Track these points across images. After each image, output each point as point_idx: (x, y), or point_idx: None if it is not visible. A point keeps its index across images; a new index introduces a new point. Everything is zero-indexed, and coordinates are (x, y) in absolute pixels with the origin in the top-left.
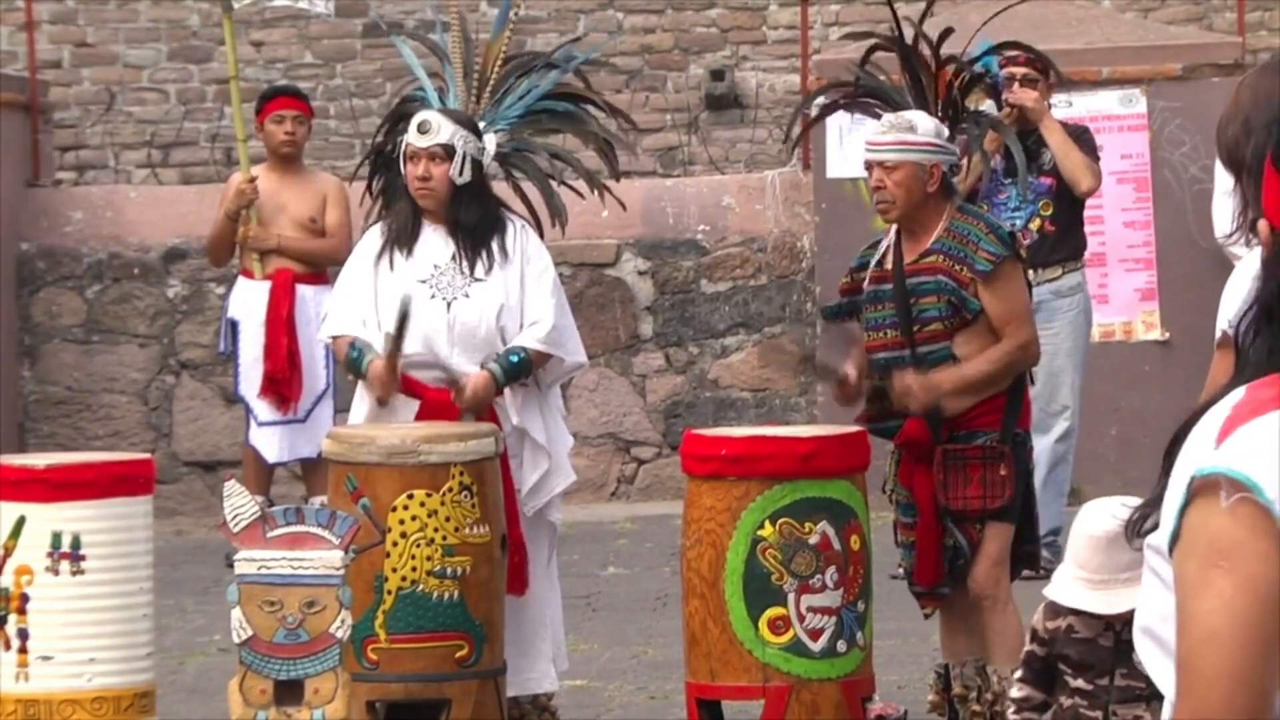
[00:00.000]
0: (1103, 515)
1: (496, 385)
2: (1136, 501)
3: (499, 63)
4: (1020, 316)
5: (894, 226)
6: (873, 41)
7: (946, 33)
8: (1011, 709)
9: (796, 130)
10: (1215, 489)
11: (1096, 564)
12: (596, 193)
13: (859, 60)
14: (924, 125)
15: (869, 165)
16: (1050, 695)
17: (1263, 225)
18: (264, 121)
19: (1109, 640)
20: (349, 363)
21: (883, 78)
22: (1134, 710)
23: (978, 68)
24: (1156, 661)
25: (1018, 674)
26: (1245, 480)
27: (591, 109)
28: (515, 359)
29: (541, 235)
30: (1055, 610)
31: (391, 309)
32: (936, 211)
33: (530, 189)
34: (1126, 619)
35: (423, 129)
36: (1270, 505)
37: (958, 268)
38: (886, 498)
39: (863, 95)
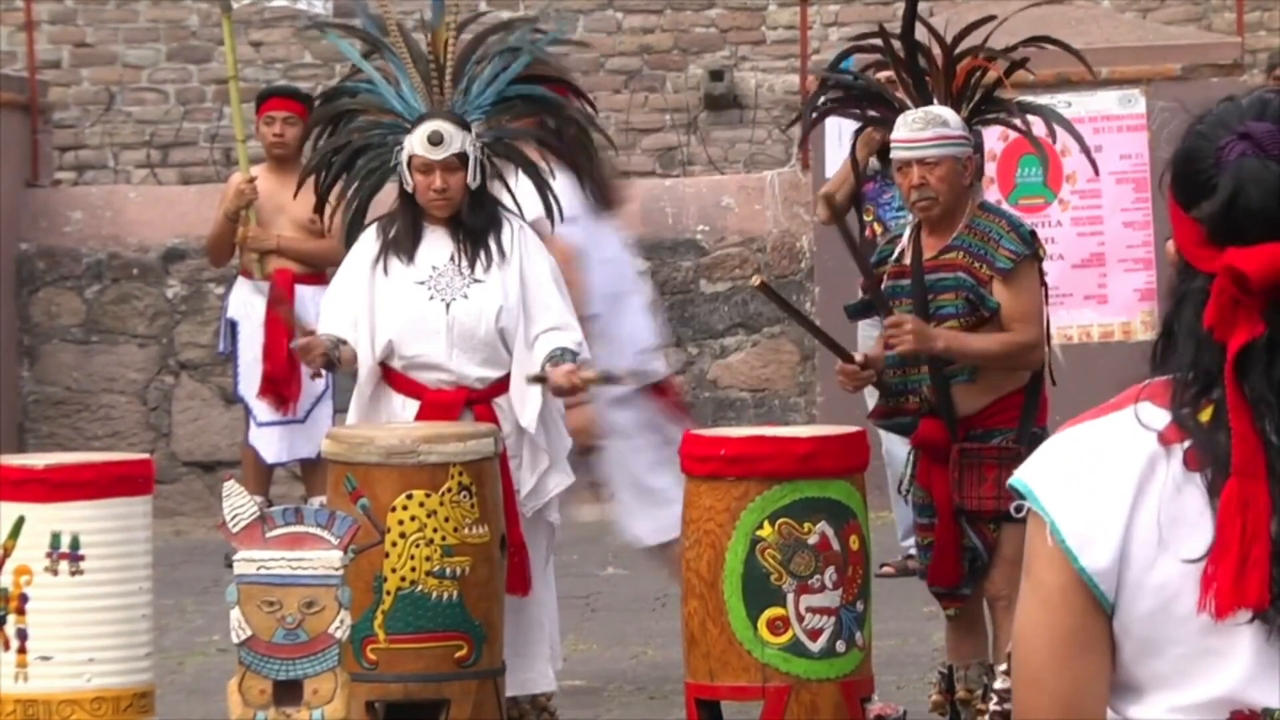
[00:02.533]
0: None
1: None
2: None
3: (450, 44)
4: (1030, 316)
5: (912, 221)
6: (847, 46)
7: (973, 26)
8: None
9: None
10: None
11: None
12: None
13: (829, 65)
14: (952, 119)
15: (905, 163)
16: None
17: (1170, 245)
18: (259, 122)
19: None
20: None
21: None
22: None
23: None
24: None
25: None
26: (1024, 490)
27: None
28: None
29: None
30: None
31: (392, 313)
32: (961, 207)
33: (520, 183)
34: None
35: (434, 140)
36: (1043, 514)
37: (978, 265)
38: (901, 497)
39: (861, 96)
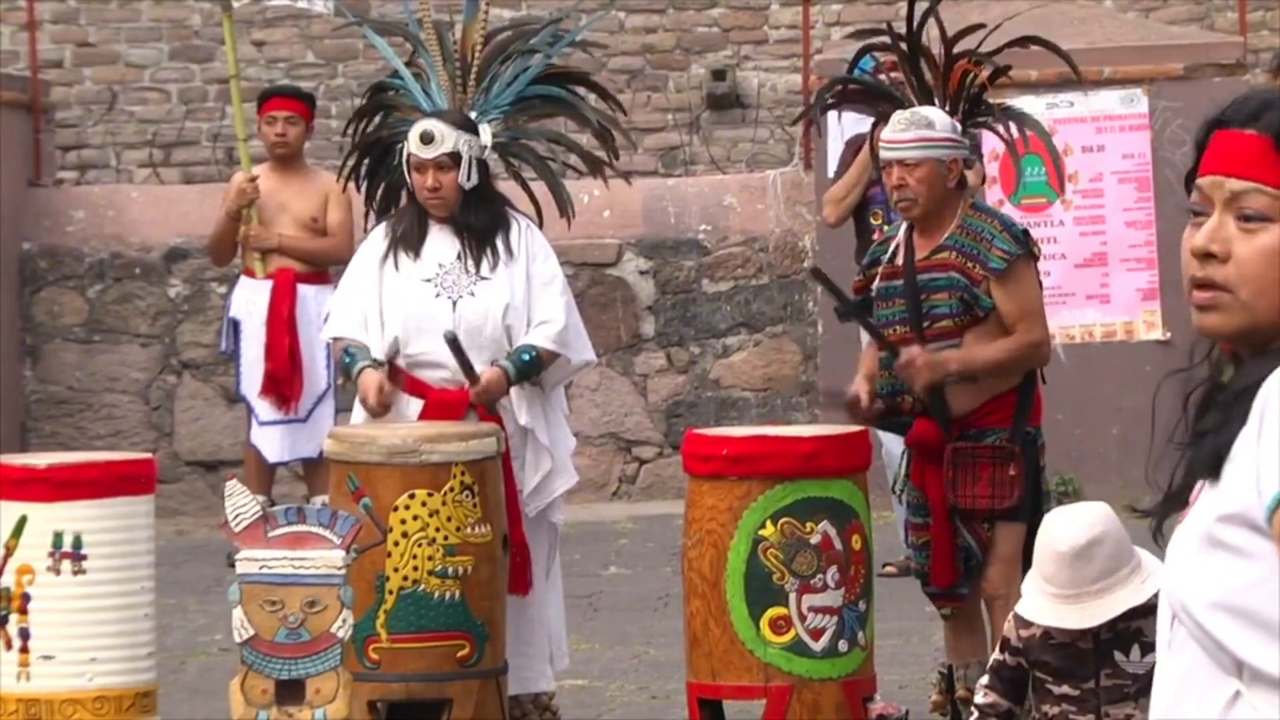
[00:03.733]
0: (1065, 529)
1: (508, 381)
2: (1097, 509)
3: (477, 49)
4: (1033, 314)
5: (904, 222)
6: (865, 43)
7: (964, 32)
8: (974, 715)
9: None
10: None
11: (1064, 579)
12: (600, 177)
13: (850, 61)
14: (940, 121)
15: (887, 164)
16: (1017, 705)
17: None
18: (260, 122)
19: (1089, 643)
20: (341, 366)
21: (883, 77)
22: (1124, 709)
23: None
24: (1240, 635)
25: (983, 680)
26: None
27: (584, 91)
28: (527, 357)
29: (540, 225)
30: (1027, 618)
31: (399, 310)
32: (951, 208)
33: (534, 184)
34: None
35: (425, 139)
36: None
37: (970, 265)
38: (895, 497)
39: (860, 94)
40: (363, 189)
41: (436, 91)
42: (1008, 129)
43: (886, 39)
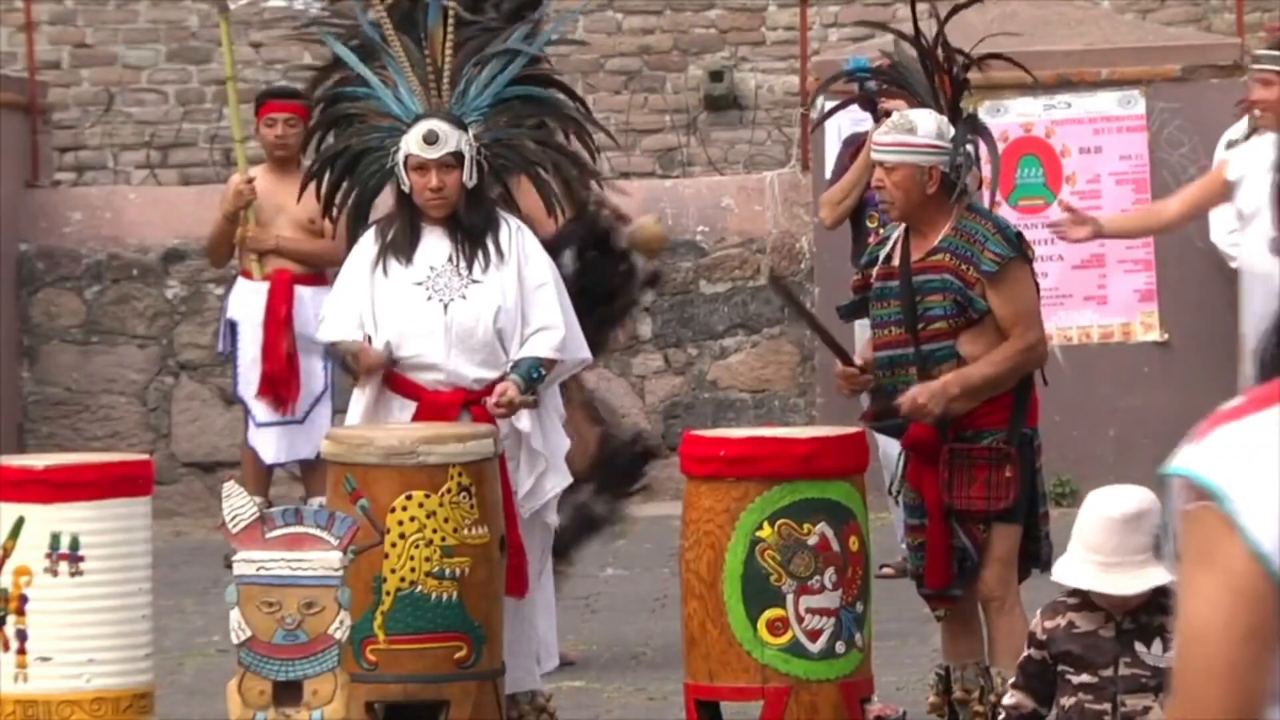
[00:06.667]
0: (1118, 497)
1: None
2: (1144, 489)
3: (447, 52)
4: (1027, 318)
5: (903, 224)
6: (902, 31)
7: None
8: (1001, 715)
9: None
10: (1187, 490)
11: (1112, 545)
12: (596, 180)
13: (898, 40)
14: (925, 126)
15: (874, 164)
16: (1043, 705)
17: None
18: (260, 124)
19: (1110, 631)
20: (341, 365)
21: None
22: (1142, 700)
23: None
24: None
25: (1012, 680)
26: (1210, 488)
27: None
28: (536, 375)
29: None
30: (1054, 610)
31: (390, 314)
32: (942, 210)
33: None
34: (1126, 609)
35: (430, 140)
36: (1233, 515)
37: (964, 267)
38: (892, 499)
39: (894, 82)
40: (324, 202)
41: (408, 97)
42: (973, 140)
43: (892, 38)
